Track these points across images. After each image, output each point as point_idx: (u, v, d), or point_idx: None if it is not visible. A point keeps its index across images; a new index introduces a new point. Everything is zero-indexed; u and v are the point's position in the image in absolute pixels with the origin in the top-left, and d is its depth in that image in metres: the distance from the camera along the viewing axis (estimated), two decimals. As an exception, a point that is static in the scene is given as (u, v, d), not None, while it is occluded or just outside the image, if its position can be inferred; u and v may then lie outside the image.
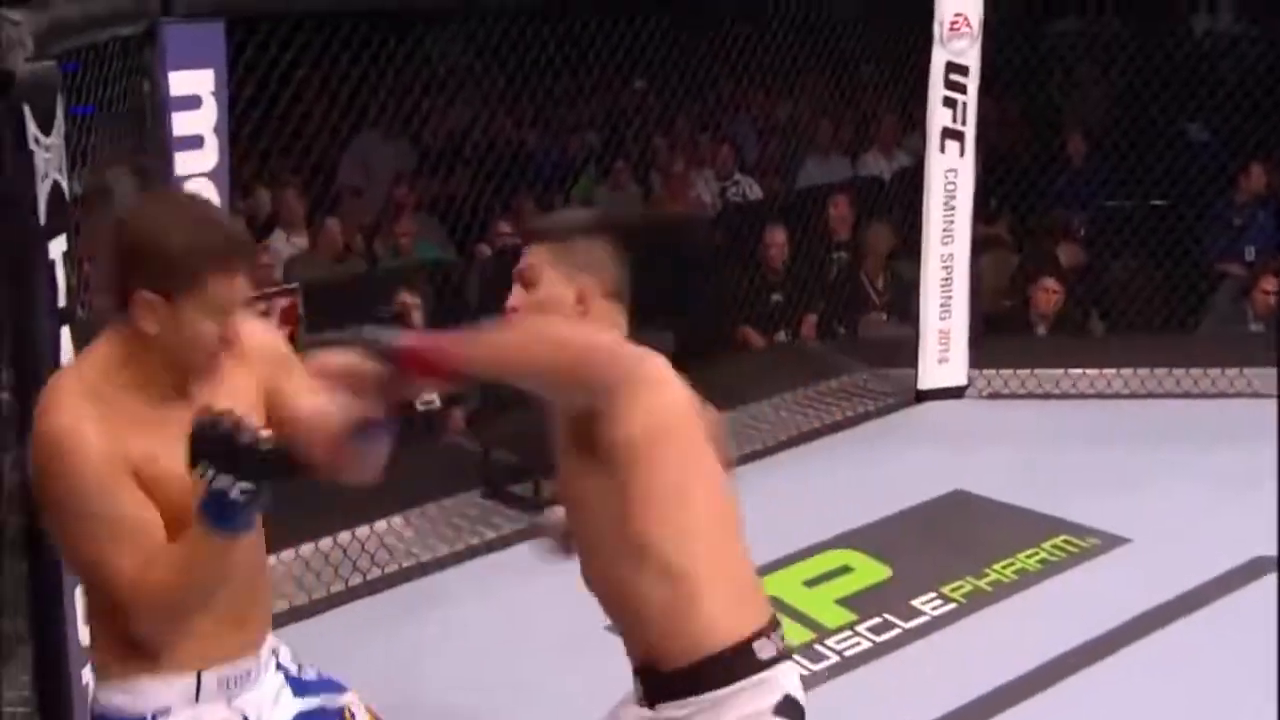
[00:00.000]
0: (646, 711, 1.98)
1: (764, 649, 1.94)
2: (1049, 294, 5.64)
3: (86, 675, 2.62)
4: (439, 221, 6.31)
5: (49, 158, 2.49)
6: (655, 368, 1.94)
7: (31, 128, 2.42)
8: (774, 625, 1.99)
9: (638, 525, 1.91)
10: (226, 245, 1.84)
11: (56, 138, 2.54)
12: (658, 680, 1.96)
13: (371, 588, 3.93)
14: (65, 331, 2.57)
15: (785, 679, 1.97)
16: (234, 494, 1.74)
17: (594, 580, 2.03)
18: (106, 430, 1.81)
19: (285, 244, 5.90)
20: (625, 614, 1.98)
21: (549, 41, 5.09)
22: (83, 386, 1.85)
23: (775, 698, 1.94)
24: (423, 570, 4.04)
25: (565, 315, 2.01)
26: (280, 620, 3.72)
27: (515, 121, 6.68)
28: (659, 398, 1.92)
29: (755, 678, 1.93)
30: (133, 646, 1.89)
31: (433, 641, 3.63)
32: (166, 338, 1.84)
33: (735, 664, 1.92)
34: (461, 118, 6.28)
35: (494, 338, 1.91)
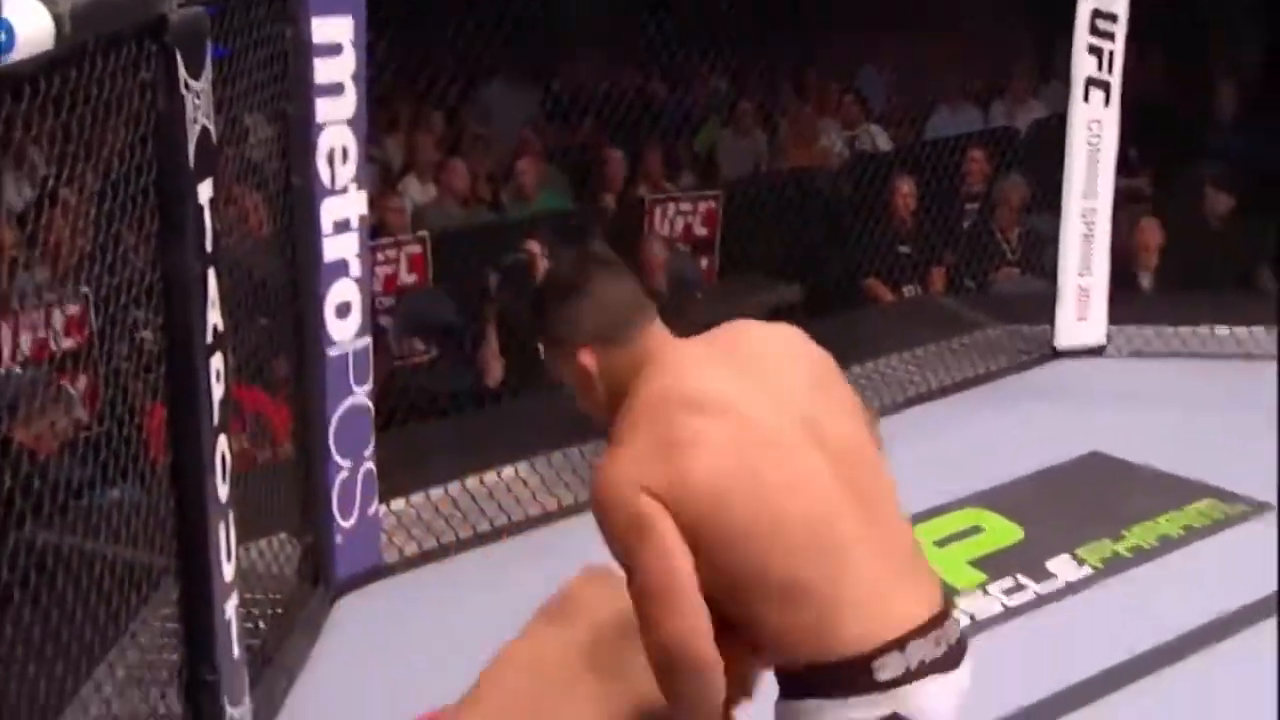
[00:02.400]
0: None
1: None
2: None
3: (229, 609, 2.69)
4: (560, 171, 6.31)
5: (198, 103, 2.52)
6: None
7: (182, 73, 2.46)
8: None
9: None
10: None
11: (204, 83, 2.57)
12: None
13: (497, 534, 3.96)
14: (211, 274, 2.62)
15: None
16: None
17: None
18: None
19: (419, 192, 5.95)
20: None
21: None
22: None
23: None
24: (546, 519, 4.05)
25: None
26: (410, 563, 3.82)
27: (644, 73, 6.61)
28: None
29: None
30: None
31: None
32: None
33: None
34: (591, 68, 6.26)
35: None
